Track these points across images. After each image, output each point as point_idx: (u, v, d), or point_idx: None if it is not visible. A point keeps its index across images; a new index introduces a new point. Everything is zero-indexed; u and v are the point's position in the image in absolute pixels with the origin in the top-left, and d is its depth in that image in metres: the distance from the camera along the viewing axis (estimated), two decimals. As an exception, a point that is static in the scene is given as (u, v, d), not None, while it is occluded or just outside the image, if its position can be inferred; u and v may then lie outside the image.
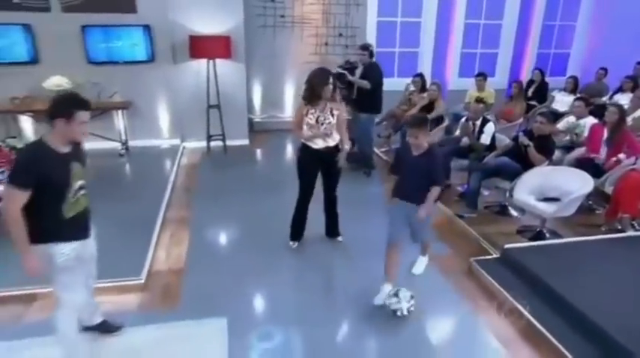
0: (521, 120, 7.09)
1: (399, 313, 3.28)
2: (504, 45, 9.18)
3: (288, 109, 8.51)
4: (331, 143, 4.04)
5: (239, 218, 5.06)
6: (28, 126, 6.80)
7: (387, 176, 5.87)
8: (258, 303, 3.69)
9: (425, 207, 3.37)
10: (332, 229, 4.50)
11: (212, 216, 5.07)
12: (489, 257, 4.13)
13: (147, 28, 6.72)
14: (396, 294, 3.32)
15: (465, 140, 5.47)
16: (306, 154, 4.09)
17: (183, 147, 7.41)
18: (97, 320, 3.16)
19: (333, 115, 3.96)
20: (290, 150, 7.46)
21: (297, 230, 4.37)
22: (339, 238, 4.51)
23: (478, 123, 5.29)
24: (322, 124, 3.94)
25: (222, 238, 4.81)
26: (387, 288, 3.45)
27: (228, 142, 7.35)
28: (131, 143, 7.17)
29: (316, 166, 4.12)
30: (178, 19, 6.85)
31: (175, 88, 7.18)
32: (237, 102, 7.49)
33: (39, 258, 2.54)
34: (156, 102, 7.22)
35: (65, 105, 2.49)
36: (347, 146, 4.13)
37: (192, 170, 6.60)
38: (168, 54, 6.98)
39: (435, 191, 3.37)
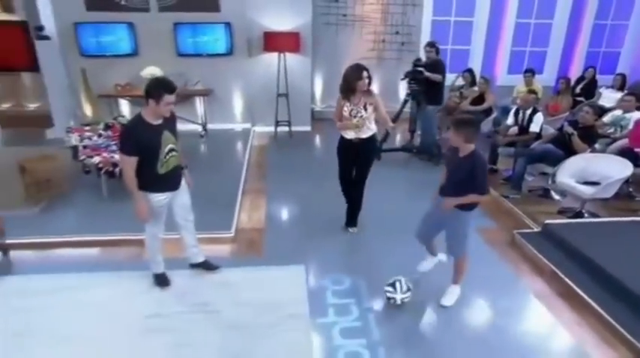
0: (566, 114, 7.25)
1: (392, 302, 3.39)
2: (554, 43, 9.25)
3: (346, 100, 8.98)
4: (363, 135, 4.08)
5: (304, 191, 5.58)
6: (126, 109, 7.63)
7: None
8: (327, 257, 4.16)
9: (453, 200, 3.16)
10: (349, 217, 4.56)
11: (282, 189, 5.64)
12: (531, 230, 4.48)
13: (228, 25, 7.37)
14: (392, 284, 3.39)
15: (514, 130, 5.77)
16: (340, 143, 4.24)
17: (254, 131, 8.04)
18: (200, 259, 3.84)
19: (366, 109, 4.00)
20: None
21: (347, 196, 4.52)
22: (352, 229, 4.56)
23: (528, 112, 5.56)
24: (355, 117, 4.01)
25: (293, 206, 5.33)
26: (430, 259, 3.83)
27: (293, 128, 7.94)
28: (209, 126, 7.89)
29: (348, 155, 4.22)
30: (255, 16, 7.46)
31: (249, 78, 7.82)
32: (303, 92, 8.05)
33: (146, 204, 3.26)
34: (232, 90, 7.89)
35: (155, 89, 3.05)
36: (390, 124, 4.24)
37: (263, 151, 7.21)
38: (245, 48, 7.61)
39: (474, 196, 3.12)
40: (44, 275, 3.79)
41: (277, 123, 7.89)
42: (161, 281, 3.66)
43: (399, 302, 3.37)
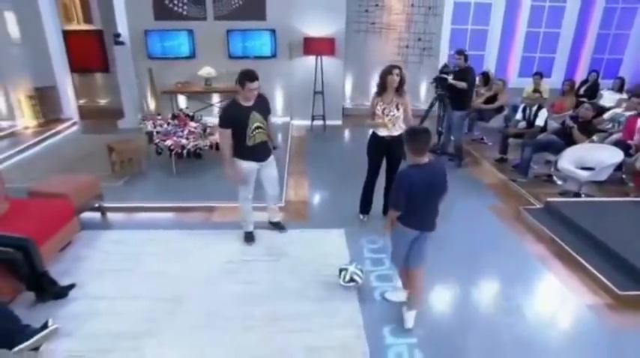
0: (570, 112, 7.58)
1: (353, 284, 3.47)
2: (561, 50, 9.57)
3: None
4: (395, 133, 4.11)
5: (337, 174, 6.07)
6: (183, 103, 8.29)
7: (486, 172, 6.21)
8: (361, 224, 4.66)
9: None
10: (385, 208, 4.47)
11: (319, 172, 6.15)
12: (534, 207, 4.92)
13: (273, 31, 7.95)
14: (347, 277, 3.47)
15: (522, 124, 6.19)
16: (373, 140, 4.27)
17: (292, 124, 8.60)
18: (275, 219, 4.44)
19: (398, 109, 4.05)
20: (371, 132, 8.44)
21: (364, 205, 4.62)
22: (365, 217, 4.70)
23: (534, 109, 5.99)
24: (387, 116, 4.06)
25: (329, 186, 5.76)
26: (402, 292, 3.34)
27: (327, 122, 8.47)
28: (254, 119, 8.47)
29: (380, 151, 4.29)
30: (296, 24, 8.02)
31: (289, 77, 8.40)
32: (336, 90, 8.58)
33: (234, 169, 3.84)
34: (274, 88, 8.47)
35: (241, 78, 3.64)
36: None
37: (301, 141, 7.74)
38: (286, 51, 8.19)
39: (391, 212, 2.93)
40: (134, 230, 4.44)
41: (313, 118, 8.43)
42: (249, 238, 4.20)
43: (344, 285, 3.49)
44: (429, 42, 9.18)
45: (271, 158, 4.05)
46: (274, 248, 4.14)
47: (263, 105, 3.86)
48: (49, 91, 8.06)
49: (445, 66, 6.51)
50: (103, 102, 9.86)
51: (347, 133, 8.53)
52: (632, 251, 3.73)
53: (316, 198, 5.40)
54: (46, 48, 7.85)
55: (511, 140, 6.27)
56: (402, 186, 2.77)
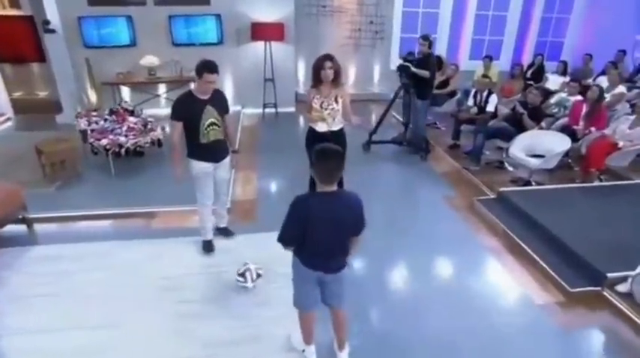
0: (519, 96, 7.39)
1: (242, 286, 3.25)
2: (509, 33, 9.39)
3: (326, 84, 9.02)
4: (334, 127, 3.69)
5: (291, 165, 5.53)
6: (126, 95, 7.53)
7: (440, 160, 5.91)
8: None
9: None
10: None
11: (271, 164, 5.69)
12: (488, 197, 4.71)
13: (218, 16, 7.28)
14: (242, 274, 3.25)
15: (474, 110, 5.93)
16: (311, 136, 3.78)
17: (243, 113, 8.03)
18: (222, 224, 3.97)
19: (337, 102, 3.61)
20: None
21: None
22: None
23: (485, 94, 5.74)
24: (325, 109, 3.62)
25: (280, 179, 5.38)
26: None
27: (279, 109, 7.95)
28: (204, 109, 7.84)
29: None
30: (242, 9, 7.37)
31: (238, 65, 7.78)
32: (288, 76, 8.05)
33: (184, 168, 3.42)
34: (223, 76, 7.79)
35: (199, 68, 3.20)
36: (354, 120, 3.77)
37: (252, 130, 7.22)
38: (234, 37, 7.55)
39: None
40: (65, 244, 3.86)
41: (265, 106, 7.90)
42: (208, 247, 3.74)
43: (250, 286, 3.25)
44: (381, 25, 8.74)
45: (226, 159, 3.59)
46: (217, 258, 3.70)
47: (220, 101, 3.39)
48: (-27, 86, 7.10)
49: (410, 53, 6.00)
50: (42, 94, 8.84)
51: (301, 120, 8.05)
52: (580, 243, 3.56)
53: (266, 195, 4.94)
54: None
55: (463, 126, 6.01)
56: (292, 217, 2.17)
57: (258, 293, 3.26)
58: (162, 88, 7.66)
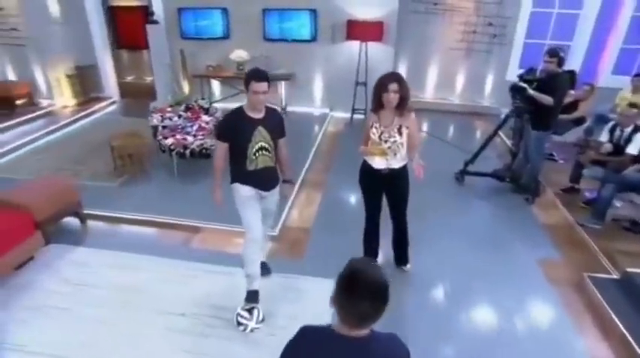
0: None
1: (242, 328, 2.82)
2: (677, 42, 7.21)
3: (429, 91, 7.96)
4: (395, 165, 2.96)
5: None
6: (217, 89, 7.44)
7: (548, 206, 4.56)
8: None
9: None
10: (399, 257, 3.48)
11: (342, 184, 4.95)
12: (607, 276, 3.42)
13: (313, 12, 6.71)
14: (250, 310, 2.85)
15: (607, 147, 4.45)
16: (365, 173, 3.11)
17: (331, 116, 7.43)
18: (261, 259, 3.25)
19: (401, 133, 2.88)
20: (429, 128, 6.99)
21: (369, 249, 3.39)
22: (405, 267, 3.48)
23: (628, 130, 4.25)
24: (386, 142, 2.90)
25: (347, 208, 4.62)
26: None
27: (369, 117, 7.17)
28: (289, 108, 7.44)
29: (377, 187, 3.13)
30: (340, 4, 6.69)
31: (330, 64, 7.17)
32: (382, 82, 7.18)
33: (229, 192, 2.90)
34: (313, 75, 7.32)
35: (246, 78, 2.66)
36: (420, 162, 2.89)
37: (335, 138, 6.59)
38: (328, 35, 6.93)
39: None
40: (102, 250, 3.69)
41: (354, 111, 7.19)
42: (251, 298, 2.91)
43: (249, 330, 2.82)
44: (501, 27, 7.33)
45: (275, 189, 3.00)
46: (240, 299, 3.13)
47: (274, 122, 2.82)
48: (89, 70, 7.62)
49: (530, 70, 4.62)
50: (149, 79, 9.36)
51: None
52: None
53: (325, 225, 4.16)
54: (87, 26, 7.31)
55: (588, 170, 4.57)
56: None
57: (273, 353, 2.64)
58: (250, 84, 7.40)
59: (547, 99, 4.23)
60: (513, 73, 6.81)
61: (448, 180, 5.06)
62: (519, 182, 4.79)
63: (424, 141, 6.50)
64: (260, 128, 2.71)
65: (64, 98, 7.37)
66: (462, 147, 5.69)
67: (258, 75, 2.63)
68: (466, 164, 4.99)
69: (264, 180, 2.87)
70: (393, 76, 2.81)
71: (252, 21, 6.85)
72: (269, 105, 2.84)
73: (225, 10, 6.84)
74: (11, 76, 7.35)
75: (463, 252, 3.78)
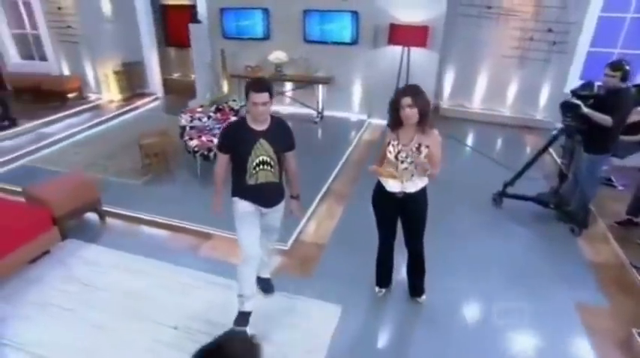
0: None
1: None
2: None
3: (477, 101, 7.41)
4: (411, 188, 2.68)
5: None
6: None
7: (599, 241, 3.99)
8: (371, 303, 3.17)
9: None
10: (414, 286, 3.16)
11: (370, 197, 4.57)
12: (661, 333, 2.89)
13: (355, 14, 6.44)
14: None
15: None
16: (378, 195, 2.86)
17: (369, 123, 7.12)
18: (264, 275, 3.14)
19: (420, 151, 2.56)
20: (473, 141, 6.50)
21: (382, 275, 3.19)
22: (420, 298, 3.16)
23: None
24: (402, 162, 2.61)
25: (369, 221, 4.13)
26: None
27: (408, 125, 6.79)
28: (326, 112, 7.21)
29: (391, 211, 2.86)
30: (383, 6, 6.36)
31: (370, 69, 6.84)
32: (425, 89, 6.68)
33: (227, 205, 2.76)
34: (352, 80, 7.04)
35: (245, 88, 2.50)
36: (426, 166, 2.57)
37: (369, 146, 6.26)
38: (370, 38, 6.62)
39: None
40: (114, 250, 3.69)
41: (392, 119, 6.83)
42: (241, 320, 2.77)
43: None
44: (563, 34, 6.63)
45: (279, 206, 2.79)
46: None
47: (280, 135, 2.61)
48: (135, 66, 7.85)
49: (588, 85, 3.98)
50: (193, 77, 9.52)
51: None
52: None
53: (341, 242, 3.88)
54: (136, 24, 7.53)
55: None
56: None
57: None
58: (287, 85, 7.26)
59: (604, 119, 3.66)
60: (573, 85, 6.13)
61: (484, 201, 4.60)
62: (566, 209, 4.24)
63: (464, 155, 6.04)
64: (262, 141, 2.52)
65: (110, 93, 7.66)
66: (508, 163, 5.17)
67: (257, 85, 2.45)
68: (505, 185, 4.51)
69: (264, 195, 2.67)
70: (409, 90, 2.55)
71: (293, 22, 6.70)
72: (275, 115, 2.65)
73: (266, 11, 6.75)
74: (65, 70, 7.75)
75: (490, 285, 3.37)
